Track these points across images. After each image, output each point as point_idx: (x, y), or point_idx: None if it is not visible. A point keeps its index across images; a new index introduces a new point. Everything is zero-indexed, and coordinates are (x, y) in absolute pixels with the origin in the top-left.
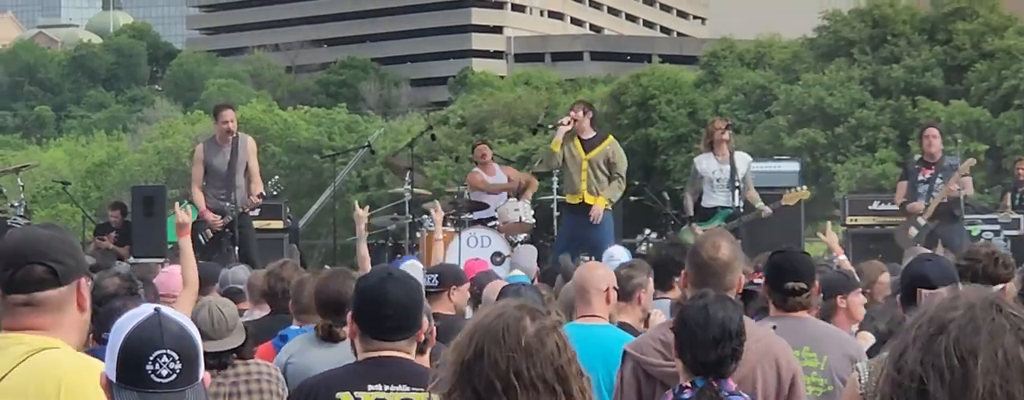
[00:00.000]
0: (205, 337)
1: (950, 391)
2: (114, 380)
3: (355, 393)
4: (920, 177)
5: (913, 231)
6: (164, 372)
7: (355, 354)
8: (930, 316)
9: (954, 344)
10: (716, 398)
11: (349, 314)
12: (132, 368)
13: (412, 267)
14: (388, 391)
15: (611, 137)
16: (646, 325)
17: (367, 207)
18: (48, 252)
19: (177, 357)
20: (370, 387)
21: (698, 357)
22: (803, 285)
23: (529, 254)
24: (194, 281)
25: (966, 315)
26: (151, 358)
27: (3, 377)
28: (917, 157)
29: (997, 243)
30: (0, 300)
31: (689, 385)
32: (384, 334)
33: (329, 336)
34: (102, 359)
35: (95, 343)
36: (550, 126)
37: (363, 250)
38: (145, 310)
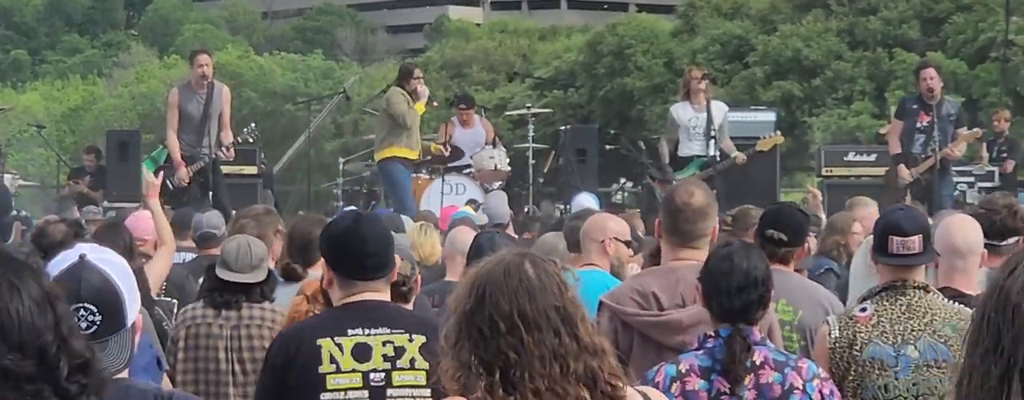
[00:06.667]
0: (225, 265)
1: None
2: None
3: (335, 339)
4: (918, 123)
5: (903, 181)
6: (83, 325)
7: (330, 303)
8: None
9: None
10: (743, 345)
11: (322, 263)
12: None
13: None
14: (368, 334)
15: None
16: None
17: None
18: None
19: (96, 309)
20: (350, 331)
21: (723, 305)
22: (783, 236)
23: (500, 200)
24: (169, 239)
25: None
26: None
27: None
28: (913, 96)
29: (971, 195)
30: None
31: (713, 334)
32: (365, 273)
33: (288, 275)
34: None
35: None
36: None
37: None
38: (70, 256)
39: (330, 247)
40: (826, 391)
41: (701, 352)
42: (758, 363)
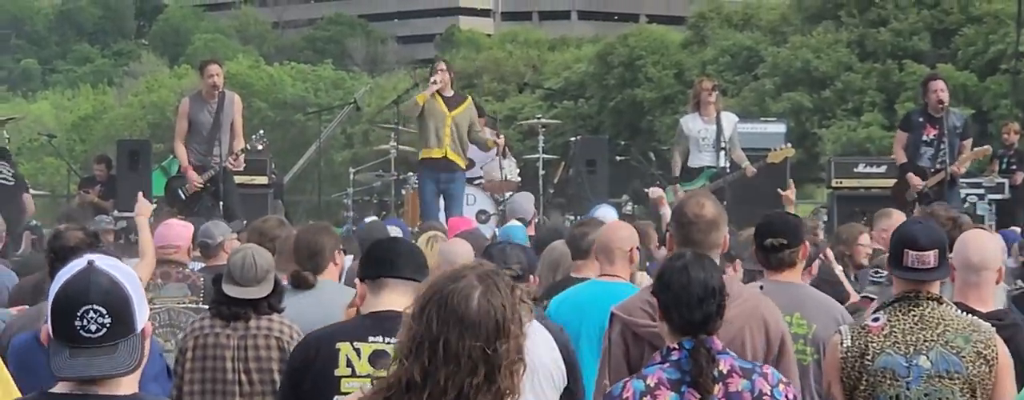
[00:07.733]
0: (230, 279)
1: None
2: (52, 335)
3: (355, 344)
4: (924, 136)
5: (912, 193)
6: (92, 327)
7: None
8: None
9: None
10: (708, 357)
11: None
12: (62, 323)
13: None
14: (388, 342)
15: (470, 99)
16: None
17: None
18: None
19: (105, 312)
20: (371, 338)
21: (684, 317)
22: (783, 241)
23: (525, 199)
24: (150, 253)
25: None
26: (78, 314)
27: None
28: (919, 108)
29: (981, 207)
30: None
31: (676, 346)
32: (395, 270)
33: (298, 282)
34: None
35: None
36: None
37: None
38: (79, 263)
39: (362, 256)
40: (791, 395)
41: (667, 365)
42: (725, 372)
